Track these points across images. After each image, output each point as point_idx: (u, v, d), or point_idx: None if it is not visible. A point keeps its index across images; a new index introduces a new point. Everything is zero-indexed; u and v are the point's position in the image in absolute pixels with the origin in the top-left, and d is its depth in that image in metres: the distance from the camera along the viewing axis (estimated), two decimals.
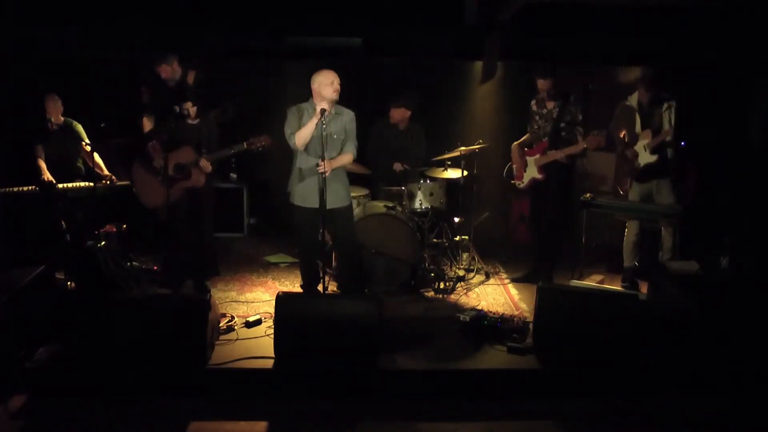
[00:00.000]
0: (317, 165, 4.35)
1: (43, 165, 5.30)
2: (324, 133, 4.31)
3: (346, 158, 4.58)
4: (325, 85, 4.38)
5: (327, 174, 4.32)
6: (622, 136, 5.38)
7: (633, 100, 5.33)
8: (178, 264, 5.11)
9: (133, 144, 5.29)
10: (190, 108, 4.93)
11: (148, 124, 5.16)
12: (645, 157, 5.24)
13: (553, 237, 5.44)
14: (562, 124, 5.25)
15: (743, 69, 5.95)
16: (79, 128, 5.47)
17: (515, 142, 5.55)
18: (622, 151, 5.38)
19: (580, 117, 5.25)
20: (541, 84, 5.25)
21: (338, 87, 4.41)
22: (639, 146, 5.25)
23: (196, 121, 5.00)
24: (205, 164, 4.90)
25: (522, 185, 5.53)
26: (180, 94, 5.06)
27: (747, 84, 6.11)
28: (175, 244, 5.07)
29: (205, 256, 5.29)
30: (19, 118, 5.64)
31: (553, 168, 5.29)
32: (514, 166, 5.57)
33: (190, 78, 5.39)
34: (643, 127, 5.25)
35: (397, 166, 5.97)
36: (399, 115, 6.02)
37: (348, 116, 4.58)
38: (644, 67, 5.46)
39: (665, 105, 5.15)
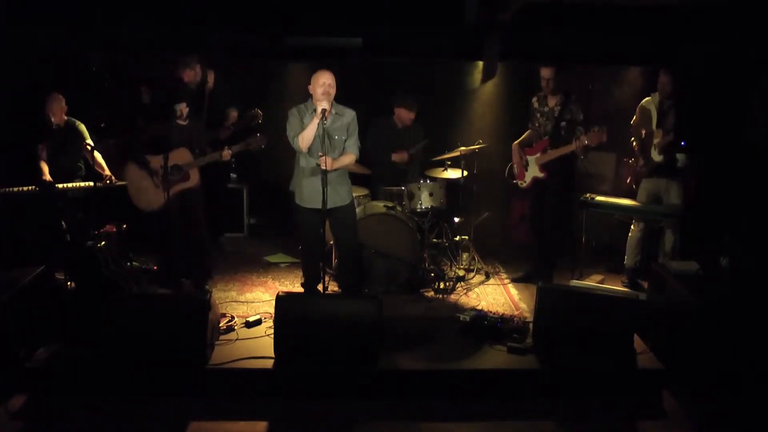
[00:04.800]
0: (318, 163, 4.33)
1: (44, 167, 5.28)
2: (325, 133, 4.30)
3: (348, 158, 4.54)
4: (316, 85, 4.34)
5: (328, 168, 4.25)
6: (643, 133, 5.36)
7: (655, 98, 5.31)
8: (174, 265, 5.09)
9: (127, 144, 5.30)
10: (183, 109, 4.93)
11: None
12: (655, 156, 5.25)
13: (554, 237, 5.44)
14: (563, 123, 5.24)
15: (743, 68, 5.94)
16: (82, 127, 5.44)
17: (515, 142, 5.55)
18: (640, 149, 5.38)
19: (581, 117, 5.23)
20: (544, 72, 5.20)
21: (329, 89, 4.31)
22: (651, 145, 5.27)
23: (186, 122, 4.99)
24: (227, 154, 4.89)
25: (524, 185, 5.52)
26: (199, 94, 5.12)
27: (747, 83, 6.10)
28: (169, 246, 5.05)
29: (201, 256, 5.28)
30: (20, 118, 5.63)
31: (556, 166, 5.29)
32: (514, 165, 5.57)
33: (210, 79, 5.42)
34: (657, 126, 5.25)
35: (396, 156, 5.95)
36: (404, 115, 6.01)
37: (349, 116, 4.53)
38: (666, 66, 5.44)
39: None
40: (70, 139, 5.40)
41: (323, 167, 4.23)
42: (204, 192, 5.15)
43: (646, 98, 5.41)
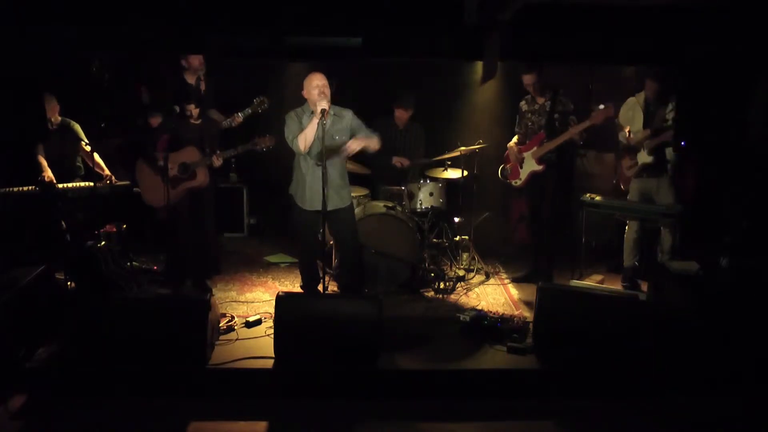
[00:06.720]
0: (342, 150, 4.43)
1: (44, 162, 5.29)
2: (324, 135, 4.31)
3: (374, 141, 4.58)
4: (310, 88, 4.39)
5: (353, 151, 4.43)
6: (627, 130, 5.39)
7: (640, 97, 5.34)
8: (180, 264, 5.11)
9: (135, 142, 5.29)
10: (193, 109, 4.96)
11: (155, 123, 5.18)
12: (642, 157, 5.25)
13: (552, 233, 5.45)
14: (556, 116, 5.29)
15: (744, 67, 5.95)
16: (77, 128, 5.47)
17: (510, 142, 5.58)
18: (626, 148, 5.39)
19: (572, 107, 5.30)
20: (527, 78, 5.31)
21: (324, 89, 4.38)
22: (638, 145, 5.27)
23: (198, 121, 5.02)
24: (217, 160, 4.91)
25: (519, 183, 5.54)
26: (195, 93, 5.14)
27: (747, 82, 6.10)
28: (176, 244, 5.07)
29: (206, 256, 5.30)
30: (19, 118, 5.63)
31: (552, 159, 5.32)
32: (508, 166, 5.60)
33: (204, 80, 5.44)
34: (644, 126, 5.25)
35: (397, 161, 5.97)
36: (400, 115, 6.04)
37: (348, 116, 4.58)
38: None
39: (670, 106, 5.16)
40: (66, 139, 5.40)
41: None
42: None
43: (631, 98, 5.43)
